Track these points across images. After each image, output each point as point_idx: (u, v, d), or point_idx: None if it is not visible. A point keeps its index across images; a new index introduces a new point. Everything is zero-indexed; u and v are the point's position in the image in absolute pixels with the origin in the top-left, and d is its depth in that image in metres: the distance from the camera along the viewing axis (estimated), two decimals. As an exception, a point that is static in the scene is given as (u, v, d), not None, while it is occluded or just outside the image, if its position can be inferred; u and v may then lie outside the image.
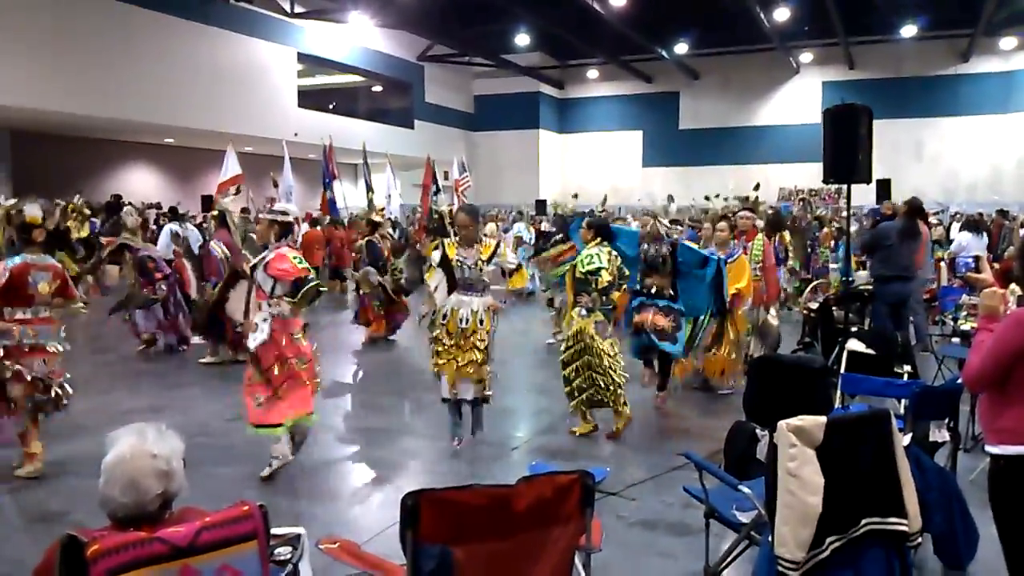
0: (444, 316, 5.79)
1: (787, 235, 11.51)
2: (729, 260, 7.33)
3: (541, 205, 22.26)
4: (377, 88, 28.47)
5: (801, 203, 18.15)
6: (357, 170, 26.13)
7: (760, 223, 9.04)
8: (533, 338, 11.11)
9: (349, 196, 17.88)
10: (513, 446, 6.19)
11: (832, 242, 14.68)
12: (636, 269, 6.91)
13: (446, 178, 20.23)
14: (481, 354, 5.72)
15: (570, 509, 2.48)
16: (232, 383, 8.13)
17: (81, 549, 1.91)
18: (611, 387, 6.08)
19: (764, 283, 7.95)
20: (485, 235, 6.74)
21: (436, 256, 5.98)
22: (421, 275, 10.79)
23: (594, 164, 31.80)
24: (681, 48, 26.58)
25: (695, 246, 7.60)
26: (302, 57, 23.27)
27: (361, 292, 10.56)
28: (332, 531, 4.34)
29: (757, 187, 10.81)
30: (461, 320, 5.71)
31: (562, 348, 6.31)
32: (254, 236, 12.99)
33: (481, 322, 5.72)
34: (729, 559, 3.44)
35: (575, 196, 16.67)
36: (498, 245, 6.03)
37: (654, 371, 7.06)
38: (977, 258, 8.92)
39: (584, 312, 6.13)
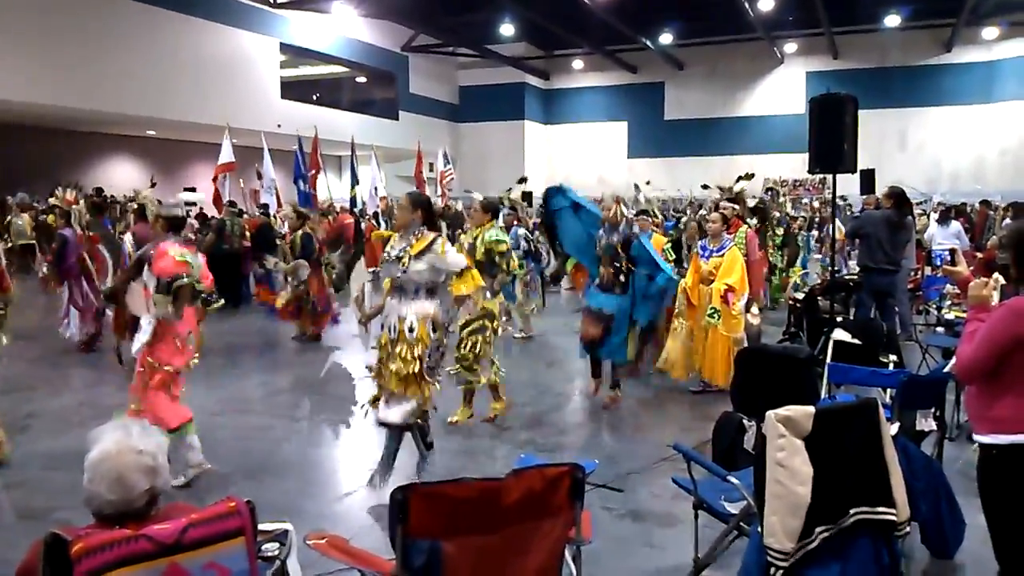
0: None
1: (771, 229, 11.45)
2: (719, 252, 7.18)
3: (527, 197, 22.21)
4: (361, 79, 28.32)
5: (769, 193, 18.05)
6: (341, 162, 26.09)
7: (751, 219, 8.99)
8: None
9: (333, 188, 17.80)
10: (500, 439, 6.17)
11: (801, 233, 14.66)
12: (590, 254, 6.78)
13: (431, 170, 20.19)
14: (405, 366, 4.74)
15: (560, 502, 2.47)
16: (219, 378, 8.10)
17: (65, 547, 1.89)
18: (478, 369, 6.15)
19: (749, 276, 7.64)
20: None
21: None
22: (350, 271, 10.63)
23: (580, 155, 31.80)
24: (666, 38, 26.58)
25: (656, 246, 7.41)
26: (285, 48, 23.10)
27: (291, 285, 10.15)
28: (320, 526, 4.32)
29: (750, 176, 10.32)
30: (389, 329, 4.87)
31: (461, 325, 6.07)
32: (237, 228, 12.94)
33: (411, 330, 4.76)
34: (718, 550, 3.44)
35: (523, 180, 16.46)
36: (454, 239, 5.87)
37: (600, 381, 6.92)
38: (952, 251, 8.97)
39: (489, 294, 6.02)
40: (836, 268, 8.23)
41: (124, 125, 20.36)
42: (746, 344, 7.18)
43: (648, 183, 17.68)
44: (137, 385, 4.96)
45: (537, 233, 10.71)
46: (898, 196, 8.54)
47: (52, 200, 10.33)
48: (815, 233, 14.20)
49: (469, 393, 6.33)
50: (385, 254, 4.99)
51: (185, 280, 4.85)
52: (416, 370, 4.74)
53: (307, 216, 10.79)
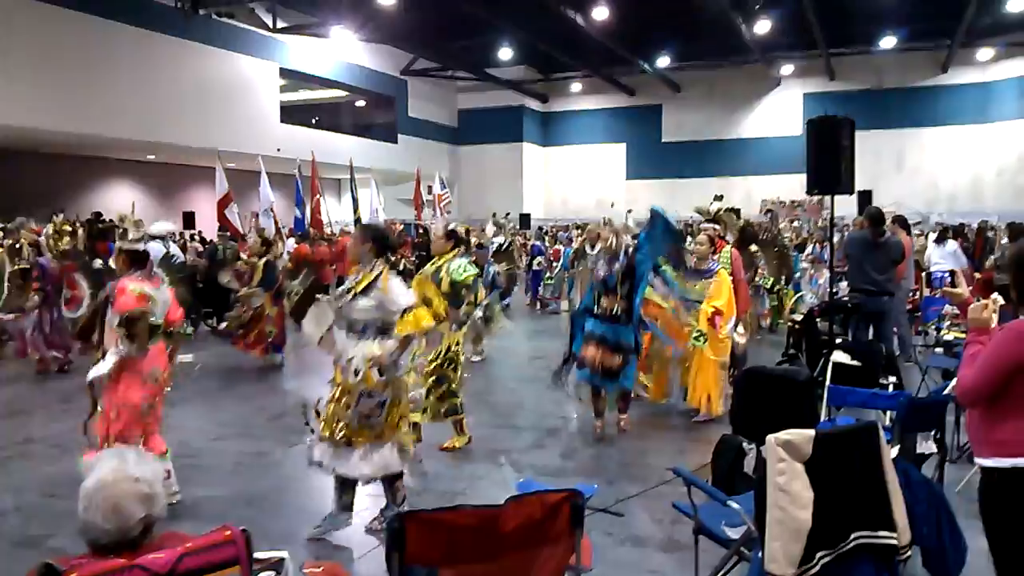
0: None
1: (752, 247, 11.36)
2: (706, 275, 7.06)
3: (525, 219, 22.27)
4: (360, 103, 28.47)
5: (768, 215, 18.03)
6: (340, 185, 26.17)
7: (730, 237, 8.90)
8: (515, 353, 11.08)
9: (332, 211, 17.84)
10: (500, 462, 6.14)
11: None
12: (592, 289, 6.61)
13: (429, 192, 20.26)
14: (342, 410, 4.47)
15: (560, 529, 2.45)
16: (216, 402, 8.07)
17: (58, 578, 1.87)
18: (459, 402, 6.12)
19: (735, 297, 7.46)
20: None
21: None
22: (308, 299, 10.41)
23: (578, 177, 31.91)
24: (663, 61, 26.75)
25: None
26: (284, 72, 23.24)
27: (240, 310, 10.02)
28: (316, 554, 4.29)
29: (720, 197, 10.21)
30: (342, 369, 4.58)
31: (431, 360, 5.97)
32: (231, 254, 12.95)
33: (355, 373, 4.43)
34: None
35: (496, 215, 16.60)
36: (402, 272, 5.74)
37: (603, 402, 6.67)
38: (953, 272, 8.93)
39: (455, 326, 5.94)
40: (834, 290, 8.20)
41: (124, 150, 20.43)
42: (729, 365, 7.13)
43: (612, 205, 17.44)
44: (99, 425, 4.84)
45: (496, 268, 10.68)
46: (873, 217, 8.40)
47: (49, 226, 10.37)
48: (804, 254, 14.11)
49: (458, 423, 6.26)
50: (340, 289, 4.71)
51: (141, 317, 4.70)
52: (347, 413, 4.44)
53: (271, 243, 10.69)
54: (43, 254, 9.64)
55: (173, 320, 5.16)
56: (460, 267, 6.00)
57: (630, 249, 6.61)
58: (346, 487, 4.64)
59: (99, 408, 4.83)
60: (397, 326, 4.51)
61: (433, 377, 5.98)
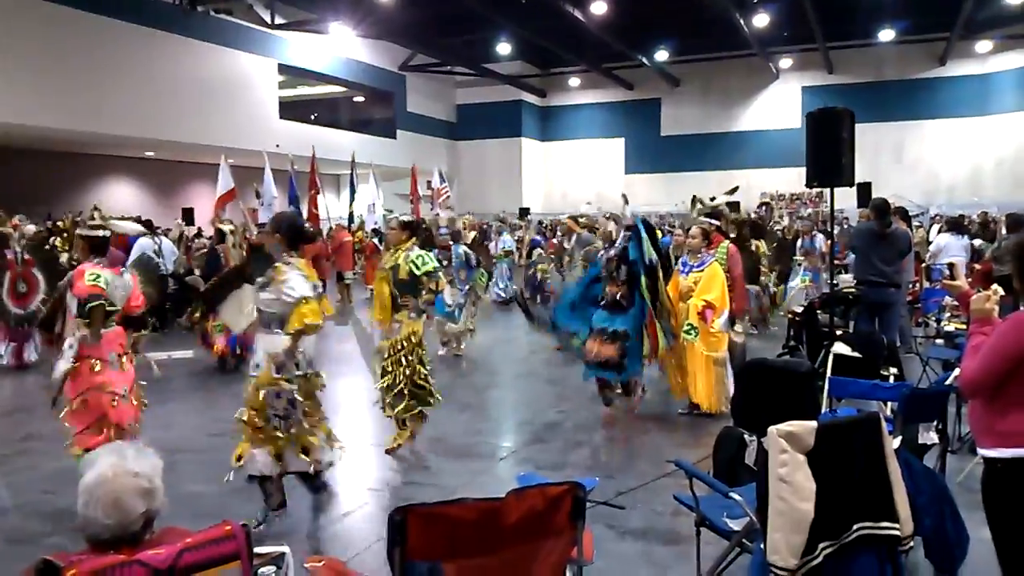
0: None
1: (762, 244, 11.31)
2: (699, 268, 6.99)
3: (524, 213, 22.25)
4: (359, 98, 28.43)
5: (765, 208, 17.92)
6: (340, 180, 26.14)
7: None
8: (517, 347, 11.07)
9: (332, 207, 17.82)
10: (500, 456, 6.14)
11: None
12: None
13: (429, 188, 20.26)
14: (251, 413, 4.42)
15: (561, 521, 2.44)
16: (215, 397, 8.06)
17: (57, 574, 1.86)
18: (430, 392, 6.06)
19: (732, 294, 7.33)
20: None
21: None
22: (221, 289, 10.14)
23: (577, 172, 31.88)
24: (662, 55, 26.71)
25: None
26: (283, 68, 23.20)
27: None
28: (317, 549, 4.29)
29: (734, 190, 10.02)
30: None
31: (388, 351, 5.93)
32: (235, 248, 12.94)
33: (256, 367, 4.46)
34: (721, 567, 3.41)
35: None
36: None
37: (613, 411, 6.84)
38: (951, 265, 8.89)
39: (414, 314, 5.92)
40: (834, 282, 8.18)
41: (123, 147, 20.40)
42: (729, 364, 6.99)
43: (589, 203, 17.29)
44: (68, 416, 4.84)
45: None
46: (879, 208, 8.34)
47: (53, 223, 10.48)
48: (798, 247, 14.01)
49: (412, 418, 6.05)
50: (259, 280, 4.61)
51: (95, 302, 4.68)
52: (256, 416, 4.36)
53: (224, 233, 10.59)
54: (8, 247, 9.70)
55: (135, 307, 5.17)
56: (420, 258, 5.90)
57: (624, 235, 6.75)
58: (266, 485, 4.54)
59: (65, 402, 4.82)
60: (289, 320, 4.36)
61: (391, 370, 5.88)
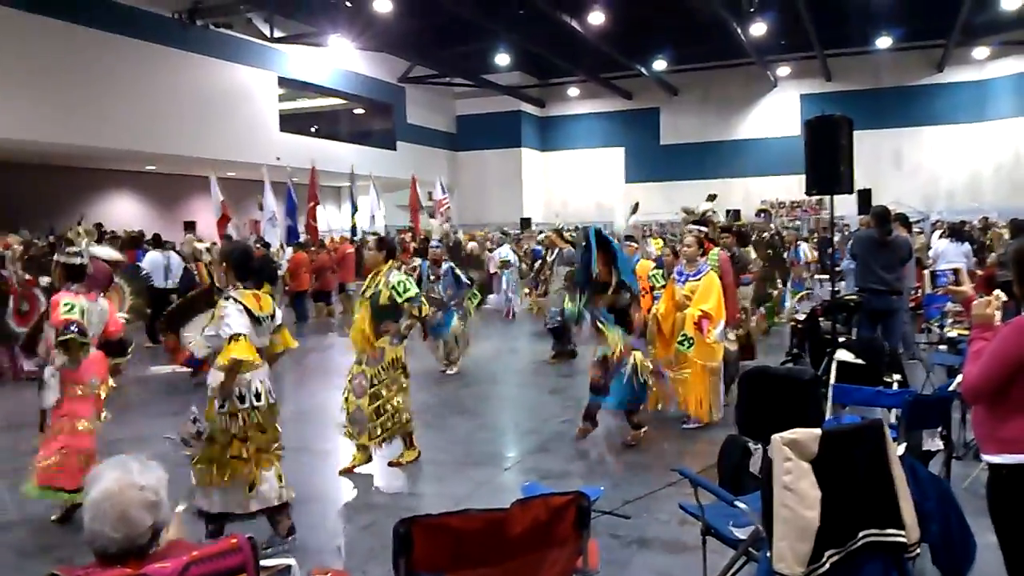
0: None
1: (750, 250, 11.21)
2: (695, 277, 6.88)
3: (525, 223, 22.28)
4: (359, 110, 28.49)
5: (764, 215, 17.84)
6: (340, 193, 26.19)
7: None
8: (520, 357, 11.07)
9: (332, 219, 17.85)
10: (505, 467, 6.14)
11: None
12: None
13: (430, 199, 20.31)
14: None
15: (566, 531, 2.44)
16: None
17: (65, 588, 1.86)
18: (406, 417, 5.96)
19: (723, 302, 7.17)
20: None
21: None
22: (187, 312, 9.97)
23: (577, 181, 31.91)
24: (660, 64, 26.77)
25: (643, 271, 7.31)
26: (283, 81, 23.25)
27: None
28: (323, 560, 4.28)
29: (713, 197, 9.92)
30: None
31: (375, 378, 5.79)
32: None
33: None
34: (727, 576, 3.40)
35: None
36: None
37: (591, 426, 6.55)
38: (956, 271, 8.89)
39: (396, 340, 5.79)
40: (835, 289, 8.17)
41: (124, 161, 20.44)
42: (722, 371, 6.92)
43: (635, 207, 17.10)
44: (48, 441, 4.90)
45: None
46: (879, 215, 8.31)
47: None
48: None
49: (407, 437, 6.09)
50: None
51: (68, 335, 4.68)
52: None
53: (200, 253, 10.58)
54: (4, 267, 9.72)
55: (112, 332, 5.20)
56: (401, 284, 5.77)
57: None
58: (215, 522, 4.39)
59: (48, 426, 4.93)
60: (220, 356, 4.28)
61: (374, 396, 5.77)
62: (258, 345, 4.36)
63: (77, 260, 5.01)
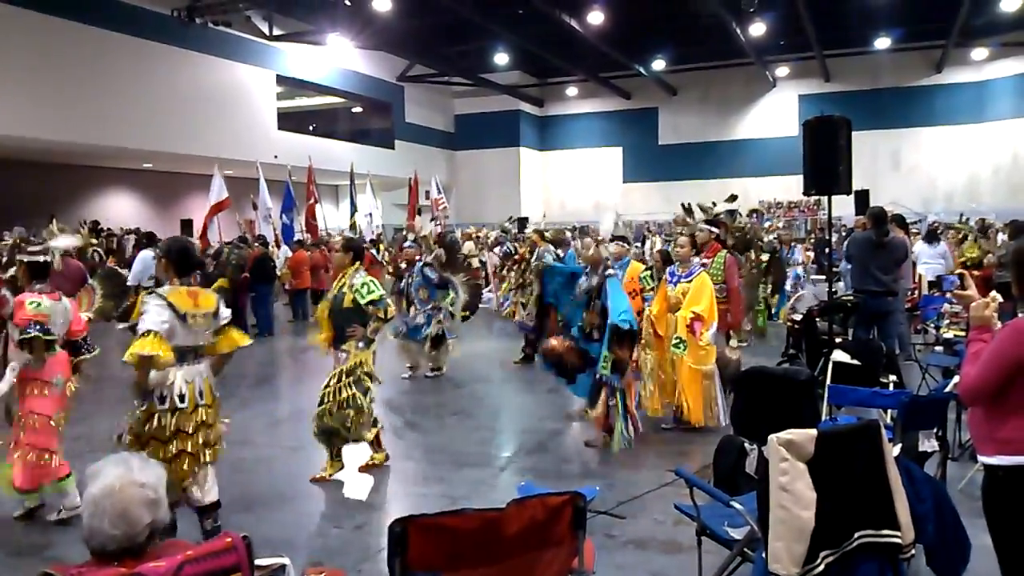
0: None
1: (753, 254, 11.17)
2: (687, 278, 6.77)
3: (523, 222, 22.26)
4: (357, 109, 28.48)
5: (755, 216, 17.72)
6: (338, 192, 26.17)
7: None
8: (514, 356, 11.04)
9: (330, 218, 17.84)
10: (500, 467, 6.13)
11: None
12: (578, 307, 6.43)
13: (427, 198, 20.30)
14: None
15: (562, 531, 2.44)
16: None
17: (59, 587, 1.86)
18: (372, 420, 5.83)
19: (728, 306, 7.25)
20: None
21: None
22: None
23: (575, 181, 31.93)
24: (659, 64, 26.78)
25: (633, 273, 7.19)
26: (281, 79, 23.24)
27: None
28: (318, 560, 4.28)
29: (734, 198, 9.68)
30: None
31: (339, 382, 5.62)
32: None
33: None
34: (723, 576, 3.40)
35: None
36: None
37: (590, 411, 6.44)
38: (962, 274, 8.88)
39: (362, 344, 5.65)
40: (833, 290, 8.17)
41: (121, 159, 20.42)
42: (719, 378, 6.77)
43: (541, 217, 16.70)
44: (14, 430, 4.90)
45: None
46: (876, 217, 8.28)
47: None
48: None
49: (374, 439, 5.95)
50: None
51: (32, 334, 4.68)
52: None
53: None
54: None
55: (75, 331, 5.18)
56: (365, 287, 5.60)
57: (612, 265, 6.52)
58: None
59: (15, 415, 4.92)
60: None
61: (340, 398, 5.60)
62: (184, 344, 4.19)
63: (41, 258, 5.00)
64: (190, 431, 4.21)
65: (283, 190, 18.13)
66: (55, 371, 4.94)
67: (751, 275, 10.63)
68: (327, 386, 5.67)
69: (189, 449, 4.21)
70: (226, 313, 4.48)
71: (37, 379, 4.87)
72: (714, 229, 7.72)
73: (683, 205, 8.44)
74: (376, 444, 6.03)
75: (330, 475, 5.80)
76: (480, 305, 11.55)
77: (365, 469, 5.95)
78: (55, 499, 4.94)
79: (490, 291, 15.57)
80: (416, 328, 9.29)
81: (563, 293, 6.83)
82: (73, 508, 4.81)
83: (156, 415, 4.13)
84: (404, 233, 11.53)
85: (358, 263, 5.83)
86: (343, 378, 5.60)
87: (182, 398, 4.18)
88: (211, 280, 11.77)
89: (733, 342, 7.47)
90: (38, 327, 4.71)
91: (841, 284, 10.55)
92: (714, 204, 8.69)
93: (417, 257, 9.61)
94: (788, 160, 22.08)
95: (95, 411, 6.95)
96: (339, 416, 5.59)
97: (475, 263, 14.73)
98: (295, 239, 16.75)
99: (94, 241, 14.36)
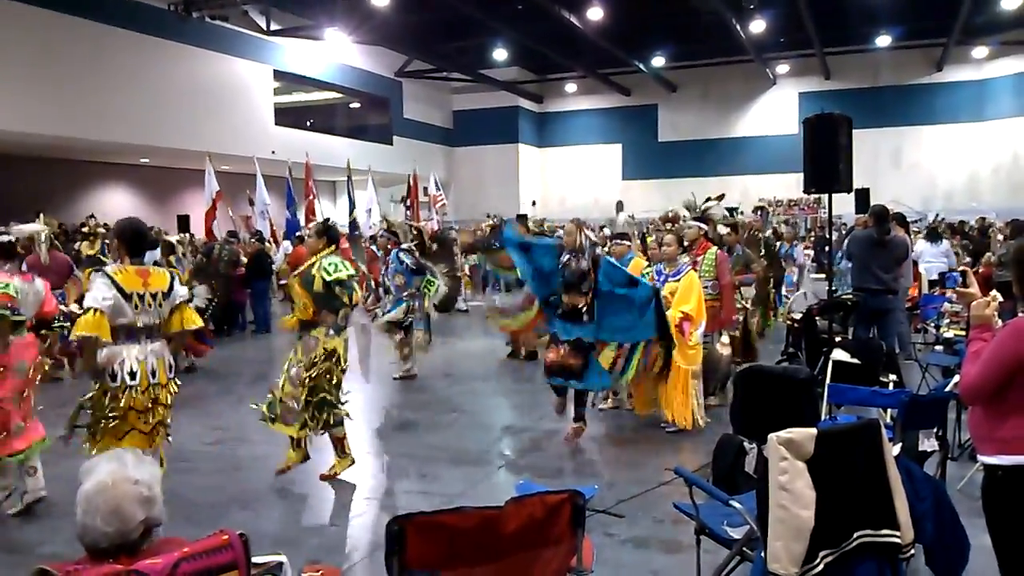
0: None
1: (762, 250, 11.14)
2: (675, 277, 6.69)
3: (522, 219, 22.26)
4: (355, 104, 28.42)
5: (759, 212, 17.77)
6: (336, 187, 26.13)
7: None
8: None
9: (327, 213, 17.80)
10: (498, 465, 6.12)
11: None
12: (555, 284, 6.29)
13: (425, 194, 20.27)
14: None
15: (561, 530, 2.43)
16: (214, 405, 8.04)
17: (53, 585, 1.84)
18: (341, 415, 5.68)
19: (719, 303, 7.14)
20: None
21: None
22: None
23: (574, 178, 31.90)
24: (658, 61, 26.75)
25: (636, 270, 6.99)
26: (278, 75, 23.18)
27: None
28: (315, 557, 4.27)
29: (721, 197, 9.36)
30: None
31: (308, 369, 5.44)
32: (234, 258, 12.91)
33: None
34: (722, 576, 3.39)
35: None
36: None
37: (564, 400, 6.42)
38: (964, 272, 8.87)
39: (332, 331, 5.48)
40: (832, 288, 8.16)
41: (118, 154, 20.36)
42: (701, 376, 6.73)
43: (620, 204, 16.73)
44: None
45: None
46: (878, 215, 8.26)
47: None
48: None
49: (338, 442, 5.72)
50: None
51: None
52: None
53: (172, 244, 10.48)
54: None
55: (47, 312, 5.16)
56: (331, 265, 5.47)
57: (596, 247, 6.46)
58: None
59: None
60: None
61: (309, 386, 5.43)
62: (129, 322, 4.21)
63: (5, 238, 5.03)
64: (140, 410, 4.26)
65: (280, 186, 18.11)
66: (19, 356, 4.89)
67: (762, 272, 10.66)
68: (288, 370, 5.49)
69: (140, 428, 4.26)
70: (182, 292, 4.53)
71: None
72: (703, 226, 7.66)
73: (692, 195, 8.41)
74: (340, 449, 5.72)
75: (292, 466, 5.61)
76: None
77: (327, 478, 5.66)
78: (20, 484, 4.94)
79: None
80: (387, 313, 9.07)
81: (540, 272, 6.48)
82: (36, 491, 4.87)
83: (108, 392, 4.18)
84: (381, 224, 11.30)
85: (333, 247, 5.69)
86: (311, 365, 5.40)
87: (132, 375, 4.22)
88: (202, 275, 11.72)
89: (724, 338, 7.38)
90: (7, 306, 4.71)
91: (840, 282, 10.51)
92: (708, 199, 8.59)
93: (389, 245, 9.50)
94: (788, 158, 22.07)
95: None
96: (306, 401, 5.42)
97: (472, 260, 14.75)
98: (297, 234, 16.74)
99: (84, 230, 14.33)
